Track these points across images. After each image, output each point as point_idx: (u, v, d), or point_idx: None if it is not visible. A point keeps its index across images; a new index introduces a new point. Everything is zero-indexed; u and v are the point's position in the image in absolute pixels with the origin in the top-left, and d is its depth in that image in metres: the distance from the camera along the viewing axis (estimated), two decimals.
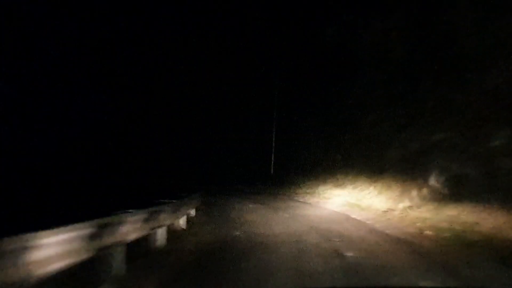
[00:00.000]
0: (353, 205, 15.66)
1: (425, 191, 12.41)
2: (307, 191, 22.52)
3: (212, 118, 35.98)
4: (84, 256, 4.15)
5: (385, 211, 13.17)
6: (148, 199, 8.34)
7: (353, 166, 19.82)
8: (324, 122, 23.16)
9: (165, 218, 7.51)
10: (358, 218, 12.42)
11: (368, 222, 11.50)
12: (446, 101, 12.66)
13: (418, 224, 10.15)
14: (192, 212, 13.27)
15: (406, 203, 13.04)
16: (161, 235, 7.78)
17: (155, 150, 37.06)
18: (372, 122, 16.97)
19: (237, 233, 9.80)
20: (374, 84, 16.31)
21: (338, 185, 20.83)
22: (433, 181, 12.27)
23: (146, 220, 6.40)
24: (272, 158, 30.40)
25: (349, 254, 7.17)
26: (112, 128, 38.36)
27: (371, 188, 17.01)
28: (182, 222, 10.50)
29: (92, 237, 4.33)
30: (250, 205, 17.02)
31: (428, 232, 9.02)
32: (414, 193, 12.90)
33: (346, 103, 19.93)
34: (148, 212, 6.54)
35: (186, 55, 35.77)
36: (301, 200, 19.46)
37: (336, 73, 22.04)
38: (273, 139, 30.51)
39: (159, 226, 7.42)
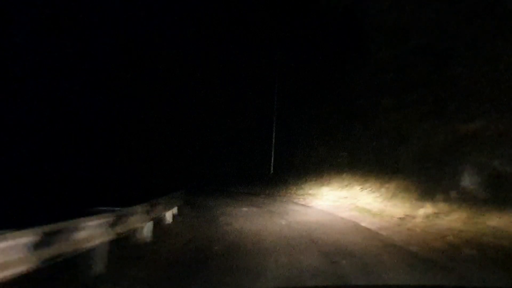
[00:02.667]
0: (362, 210, 13.34)
1: (454, 194, 10.08)
2: (309, 192, 20.21)
3: (207, 113, 33.67)
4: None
5: (401, 218, 10.85)
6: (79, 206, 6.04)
7: (362, 164, 17.48)
8: (328, 113, 20.75)
9: (92, 236, 5.10)
10: (370, 227, 10.11)
11: (382, 233, 9.19)
12: (485, 79, 10.17)
13: (450, 238, 7.83)
14: (169, 218, 11.04)
15: (428, 209, 10.71)
16: (100, 254, 5.52)
17: (145, 147, 34.84)
18: (385, 110, 14.45)
19: (216, 247, 7.58)
20: (388, 63, 13.80)
21: (344, 186, 18.52)
22: (466, 181, 9.92)
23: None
24: (272, 156, 28.04)
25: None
26: (100, 122, 36.21)
27: (383, 189, 14.69)
28: (146, 230, 8.25)
29: None
30: (244, 209, 14.78)
31: (469, 251, 6.70)
32: (439, 196, 10.57)
33: (354, 90, 17.32)
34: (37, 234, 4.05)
35: (177, 40, 33.51)
36: (302, 202, 17.16)
37: (341, 53, 19.24)
38: (273, 135, 28.13)
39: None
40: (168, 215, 11.03)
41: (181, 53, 34.47)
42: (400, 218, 10.86)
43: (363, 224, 10.62)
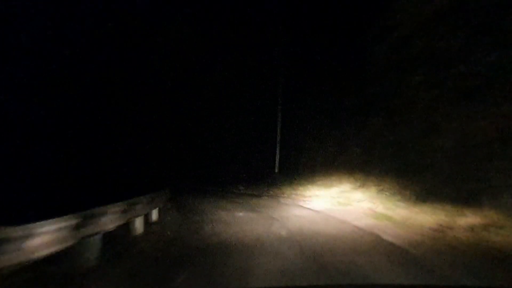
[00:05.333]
0: (381, 217, 10.95)
1: (506, 198, 7.64)
2: (317, 193, 17.86)
3: (208, 109, 31.40)
4: None
5: (435, 230, 8.46)
6: None
7: (378, 161, 15.07)
8: (339, 104, 18.26)
9: None
10: (395, 241, 7.75)
11: (414, 251, 6.81)
12: None
13: None
14: (139, 226, 8.78)
15: (470, 218, 8.31)
16: None
17: (144, 145, 32.73)
18: (410, 94, 11.87)
19: (182, 277, 5.35)
20: (416, 31, 11.18)
21: (357, 187, 16.13)
22: None
23: None
24: (277, 153, 25.63)
25: None
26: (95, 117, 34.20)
27: (406, 192, 12.28)
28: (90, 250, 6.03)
29: None
30: (240, 214, 12.54)
31: None
32: (485, 202, 8.14)
33: (370, 72, 14.63)
34: None
35: (173, 30, 31.27)
36: (308, 206, 14.80)
37: (353, 27, 16.38)
38: (278, 131, 25.70)
39: None
40: (139, 223, 8.80)
41: (181, 46, 32.32)
42: (433, 229, 8.46)
43: (385, 237, 8.25)
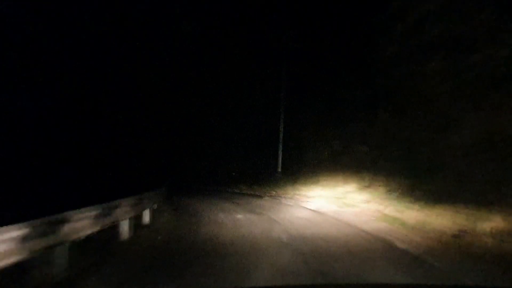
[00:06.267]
0: (392, 220, 9.99)
1: None
2: (321, 193, 16.92)
3: (209, 107, 30.46)
4: None
5: (456, 236, 7.51)
6: None
7: (387, 160, 14.11)
8: (345, 100, 17.25)
9: None
10: (411, 249, 6.81)
11: (440, 266, 5.83)
12: None
13: None
14: (125, 232, 7.88)
15: (494, 222, 7.35)
16: None
17: (145, 144, 31.86)
18: (422, 85, 10.76)
19: None
20: (429, 12, 10.03)
21: (364, 187, 15.19)
22: None
23: None
24: (280, 152, 24.68)
25: None
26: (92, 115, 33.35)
27: (418, 192, 11.32)
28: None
29: None
30: (239, 216, 11.65)
31: None
32: None
33: (379, 62, 13.47)
34: None
35: (176, 27, 30.35)
36: (312, 207, 13.86)
37: (360, 9, 14.98)
38: (281, 128, 24.75)
39: None
40: (126, 227, 7.90)
41: (183, 44, 31.41)
42: (453, 235, 7.51)
43: (399, 244, 7.31)
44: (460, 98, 9.53)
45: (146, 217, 10.29)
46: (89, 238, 6.19)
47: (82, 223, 5.22)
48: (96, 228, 5.77)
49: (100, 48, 34.17)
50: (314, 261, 6.03)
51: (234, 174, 26.70)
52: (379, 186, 14.11)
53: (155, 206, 13.11)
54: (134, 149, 31.06)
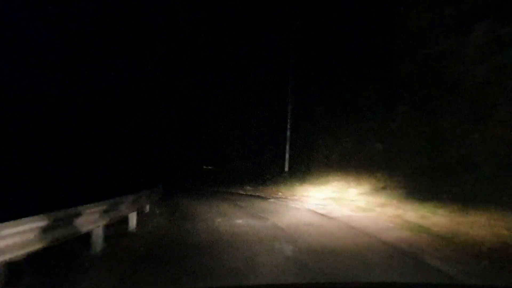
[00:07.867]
0: (417, 229, 8.58)
1: None
2: (332, 195, 15.56)
3: (214, 105, 29.25)
4: None
5: (499, 250, 6.11)
6: None
7: (404, 159, 12.69)
8: (357, 92, 15.84)
9: None
10: (447, 269, 5.44)
11: None
12: None
13: None
14: (98, 243, 6.60)
15: None
16: None
17: (148, 143, 30.82)
18: (451, 69, 9.23)
19: None
20: None
21: (379, 189, 13.78)
22: None
23: None
24: (287, 151, 23.33)
25: None
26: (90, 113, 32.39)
27: (443, 195, 9.89)
28: None
29: None
30: (239, 221, 10.35)
31: None
32: None
33: (397, 45, 11.94)
34: None
35: (179, 26, 29.27)
36: (322, 211, 12.48)
37: None
38: (288, 125, 23.37)
39: None
40: (98, 237, 6.63)
41: (188, 42, 30.31)
42: (495, 249, 6.11)
43: (430, 260, 5.93)
44: (501, 81, 8.00)
45: (133, 222, 9.13)
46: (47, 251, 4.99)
47: (20, 238, 3.99)
48: (41, 244, 4.47)
49: (101, 48, 33.32)
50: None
51: (240, 175, 25.48)
52: (397, 187, 12.70)
53: (147, 209, 11.97)
54: (134, 149, 30.06)
